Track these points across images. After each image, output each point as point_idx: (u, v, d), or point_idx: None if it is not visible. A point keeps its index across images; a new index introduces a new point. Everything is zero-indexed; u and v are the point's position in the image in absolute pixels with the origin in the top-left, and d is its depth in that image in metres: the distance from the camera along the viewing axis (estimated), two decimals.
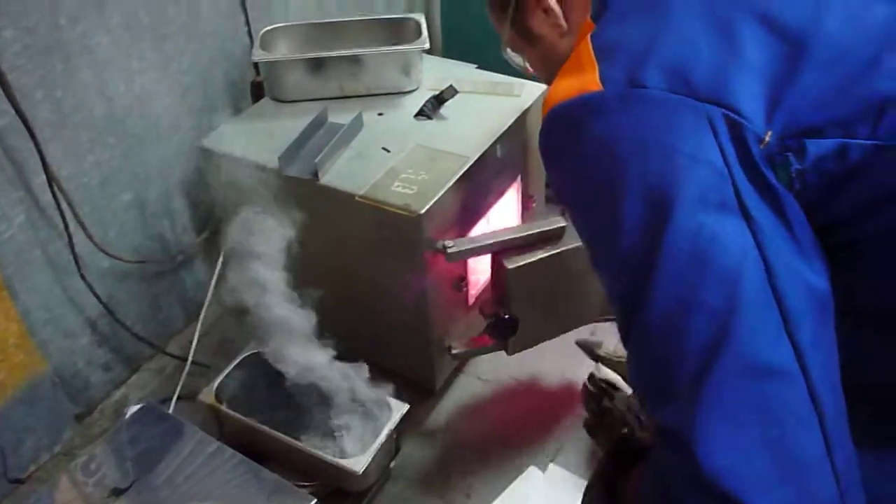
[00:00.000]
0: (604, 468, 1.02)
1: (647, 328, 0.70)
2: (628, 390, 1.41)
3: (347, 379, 1.50)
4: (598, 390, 1.48)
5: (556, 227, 1.44)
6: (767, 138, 0.70)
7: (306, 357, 1.40)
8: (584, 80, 0.76)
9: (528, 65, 1.09)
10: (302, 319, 1.40)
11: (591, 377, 1.48)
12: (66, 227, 1.47)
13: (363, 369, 1.51)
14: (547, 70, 0.98)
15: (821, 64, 0.71)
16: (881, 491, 0.70)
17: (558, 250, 1.44)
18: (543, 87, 1.71)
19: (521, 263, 1.42)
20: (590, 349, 1.65)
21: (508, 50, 1.11)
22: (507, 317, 1.46)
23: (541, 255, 1.43)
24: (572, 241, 1.44)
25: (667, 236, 0.68)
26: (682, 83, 0.71)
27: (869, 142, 0.69)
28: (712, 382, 0.65)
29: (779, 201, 0.69)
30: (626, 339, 0.75)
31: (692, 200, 0.68)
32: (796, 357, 0.66)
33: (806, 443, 0.65)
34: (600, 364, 1.53)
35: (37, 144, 1.36)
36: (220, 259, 1.72)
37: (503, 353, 1.77)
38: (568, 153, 0.78)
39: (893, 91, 0.70)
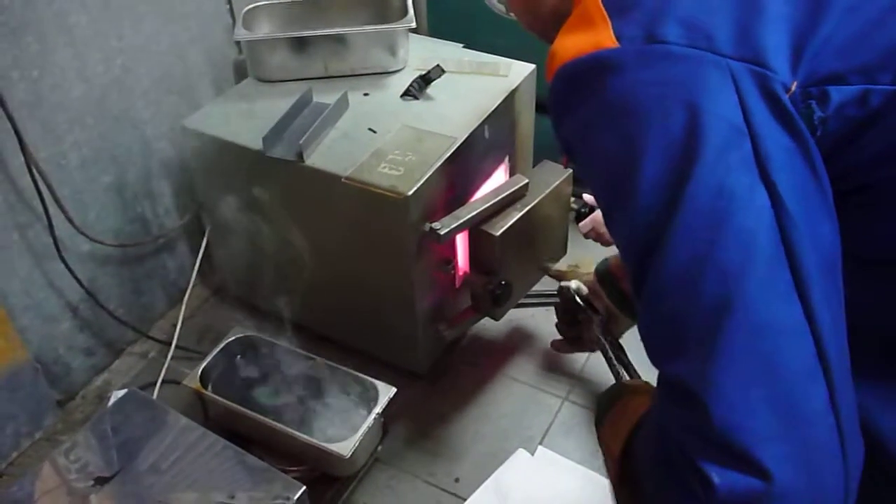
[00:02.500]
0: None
1: (661, 283, 0.71)
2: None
3: (334, 362, 1.49)
4: (571, 304, 1.55)
5: (521, 185, 1.48)
6: (793, 88, 0.70)
7: None
8: (598, 36, 0.75)
9: (509, 11, 1.06)
10: None
11: (563, 290, 1.56)
12: (46, 210, 1.44)
13: (350, 353, 1.50)
14: (529, 16, 0.95)
15: (842, 11, 0.71)
16: (883, 423, 0.73)
17: (530, 206, 1.47)
18: (531, 67, 1.69)
19: (506, 227, 1.43)
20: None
21: None
22: (503, 283, 1.46)
23: (517, 214, 1.45)
24: (537, 195, 1.49)
25: (687, 193, 0.68)
26: (703, 38, 0.71)
27: (891, 87, 0.70)
28: (724, 339, 0.66)
29: (809, 149, 0.69)
30: (637, 293, 0.75)
31: (714, 158, 0.68)
32: (805, 314, 0.67)
33: (812, 396, 0.66)
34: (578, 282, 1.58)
35: (14, 125, 1.33)
36: (204, 242, 1.70)
37: (490, 337, 1.78)
38: (583, 110, 0.77)
39: None
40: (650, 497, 0.80)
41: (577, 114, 0.78)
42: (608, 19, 0.75)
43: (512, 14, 1.04)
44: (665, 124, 0.70)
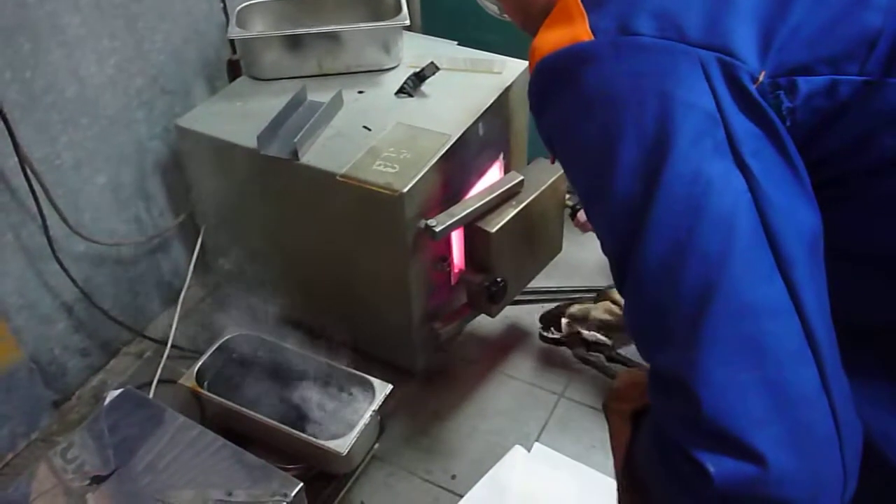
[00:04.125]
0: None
1: (643, 273, 0.71)
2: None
3: (330, 361, 1.49)
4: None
5: (516, 182, 1.49)
6: (761, 78, 0.71)
7: None
8: (575, 30, 0.76)
9: (503, 13, 1.08)
10: None
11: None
12: (40, 209, 1.43)
13: (346, 351, 1.50)
14: (522, 16, 0.97)
15: (809, 4, 0.72)
16: (868, 420, 0.73)
17: (525, 203, 1.48)
18: (525, 64, 1.69)
19: (501, 224, 1.44)
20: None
21: None
22: (498, 280, 1.46)
23: (512, 211, 1.46)
24: (532, 191, 1.50)
25: (662, 181, 0.69)
26: (673, 29, 0.72)
27: (859, 77, 0.70)
28: (709, 324, 0.66)
29: (779, 136, 0.70)
30: (620, 286, 0.76)
31: (687, 146, 0.69)
32: (790, 295, 0.67)
33: (802, 379, 0.66)
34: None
35: (7, 125, 1.32)
36: (199, 241, 1.70)
37: (486, 334, 1.78)
38: (561, 102, 0.78)
39: (882, 25, 0.70)
40: (655, 500, 0.80)
41: (556, 106, 0.80)
42: (585, 13, 0.77)
43: (506, 16, 1.05)
44: (639, 114, 0.71)
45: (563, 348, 1.69)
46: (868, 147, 0.72)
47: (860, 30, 0.71)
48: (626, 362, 1.63)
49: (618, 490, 0.96)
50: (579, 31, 0.76)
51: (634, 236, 0.71)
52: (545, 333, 1.70)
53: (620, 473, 0.93)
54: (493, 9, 1.11)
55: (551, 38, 0.79)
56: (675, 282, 0.68)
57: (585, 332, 1.61)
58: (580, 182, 0.82)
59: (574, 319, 1.62)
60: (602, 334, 1.59)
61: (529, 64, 0.82)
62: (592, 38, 0.75)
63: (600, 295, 1.62)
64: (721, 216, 0.68)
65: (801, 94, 0.71)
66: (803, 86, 0.71)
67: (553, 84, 0.79)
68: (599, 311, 1.59)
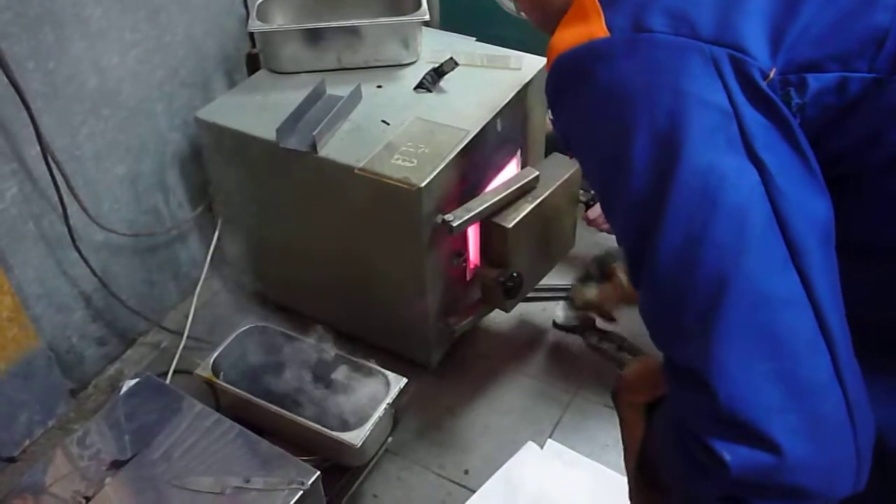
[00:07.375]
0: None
1: (658, 266, 0.72)
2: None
3: (344, 353, 1.49)
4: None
5: (532, 177, 1.49)
6: (772, 75, 0.72)
7: None
8: (591, 27, 0.78)
9: (520, 10, 1.09)
10: None
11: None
12: (61, 199, 1.44)
13: (360, 344, 1.51)
14: (539, 13, 0.99)
15: (819, 2, 0.73)
16: (876, 415, 0.74)
17: (541, 198, 1.49)
18: (544, 60, 1.69)
19: (518, 219, 1.44)
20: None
21: None
22: (514, 275, 1.47)
23: (528, 207, 1.47)
24: (548, 187, 1.50)
25: (676, 176, 0.70)
26: (686, 26, 0.73)
27: (868, 75, 0.72)
28: (724, 315, 0.68)
29: (791, 128, 0.71)
30: (636, 279, 0.77)
31: (700, 140, 0.70)
32: (803, 285, 0.68)
33: (816, 368, 0.67)
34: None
35: (31, 115, 1.34)
36: (216, 233, 1.71)
37: (501, 331, 1.78)
38: (577, 99, 0.80)
39: (891, 24, 0.72)
40: (672, 489, 0.80)
41: (571, 103, 0.81)
42: (601, 11, 0.78)
43: (523, 14, 1.06)
44: (652, 110, 0.72)
45: (576, 336, 1.69)
46: (877, 145, 0.73)
47: (869, 28, 0.72)
48: (636, 351, 1.63)
49: (629, 486, 0.96)
50: (595, 28, 0.77)
51: (649, 230, 0.72)
52: (559, 322, 1.70)
53: (633, 470, 0.94)
54: (510, 7, 1.12)
55: (568, 36, 0.80)
56: (690, 274, 0.69)
57: (598, 322, 1.61)
58: (595, 177, 0.83)
59: (577, 308, 1.62)
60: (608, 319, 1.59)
61: (546, 62, 0.84)
62: (608, 35, 0.76)
63: (605, 268, 1.59)
64: (735, 209, 0.69)
65: (811, 91, 0.72)
66: (813, 82, 0.72)
67: (569, 81, 0.80)
68: (599, 297, 1.57)
